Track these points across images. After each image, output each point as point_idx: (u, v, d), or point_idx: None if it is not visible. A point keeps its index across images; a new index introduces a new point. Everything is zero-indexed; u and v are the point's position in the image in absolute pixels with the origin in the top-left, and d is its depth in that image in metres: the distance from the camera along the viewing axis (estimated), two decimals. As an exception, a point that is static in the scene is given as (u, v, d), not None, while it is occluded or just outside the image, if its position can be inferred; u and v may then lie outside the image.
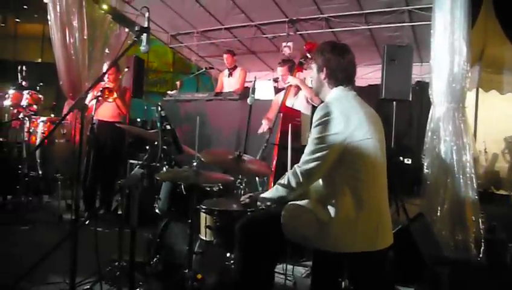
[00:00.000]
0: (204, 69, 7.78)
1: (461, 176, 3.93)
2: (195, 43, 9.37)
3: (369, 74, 8.44)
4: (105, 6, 7.84)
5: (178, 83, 6.51)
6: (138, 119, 8.89)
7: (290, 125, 3.93)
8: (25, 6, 16.76)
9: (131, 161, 6.24)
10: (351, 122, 1.97)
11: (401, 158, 7.41)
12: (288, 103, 4.35)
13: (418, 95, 7.49)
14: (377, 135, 2.03)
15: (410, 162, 7.39)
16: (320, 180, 2.08)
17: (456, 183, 3.93)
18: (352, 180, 1.96)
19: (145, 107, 8.88)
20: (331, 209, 1.95)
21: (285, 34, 7.93)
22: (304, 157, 2.03)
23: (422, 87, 7.37)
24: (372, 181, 1.99)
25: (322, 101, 2.20)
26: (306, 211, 2.03)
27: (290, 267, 3.12)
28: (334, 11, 7.28)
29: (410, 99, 4.83)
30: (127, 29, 7.95)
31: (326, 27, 7.58)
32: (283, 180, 2.10)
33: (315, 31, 7.69)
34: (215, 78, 8.64)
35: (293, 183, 2.04)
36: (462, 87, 3.99)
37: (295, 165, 2.07)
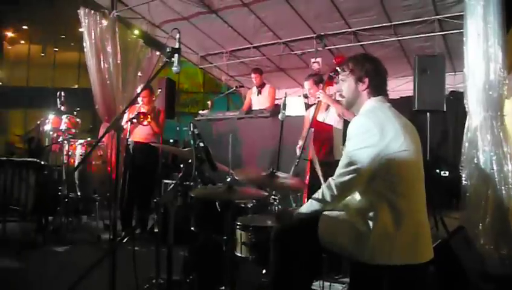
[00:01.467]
0: (234, 88, 7.88)
1: (503, 187, 3.77)
2: (224, 63, 9.52)
3: (400, 86, 8.32)
4: (136, 31, 8.14)
5: (209, 102, 6.62)
6: (171, 140, 9.05)
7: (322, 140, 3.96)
8: (62, 36, 17.56)
9: (165, 181, 6.34)
10: (386, 134, 1.94)
11: (438, 170, 7.23)
12: (320, 118, 4.32)
13: (452, 105, 7.26)
14: (413, 146, 2.00)
15: (447, 174, 7.20)
16: (357, 193, 2.06)
17: (498, 194, 3.77)
18: (390, 192, 1.92)
19: (177, 128, 9.04)
20: (370, 222, 1.92)
21: (313, 50, 7.96)
22: (339, 170, 2.02)
23: (457, 97, 7.17)
24: (410, 193, 1.95)
25: (355, 115, 2.18)
26: (343, 222, 2.01)
27: (327, 284, 3.07)
28: (362, 25, 7.26)
29: (445, 109, 4.72)
30: (158, 52, 8.19)
31: (355, 41, 7.57)
32: (317, 194, 2.09)
33: (344, 46, 7.67)
34: (245, 97, 8.74)
35: (328, 197, 2.03)
36: (499, 94, 3.85)
37: (330, 179, 2.06)
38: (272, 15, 7.46)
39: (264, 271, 2.62)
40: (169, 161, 7.14)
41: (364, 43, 7.53)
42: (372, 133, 1.94)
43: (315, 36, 7.82)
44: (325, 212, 2.09)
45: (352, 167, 1.96)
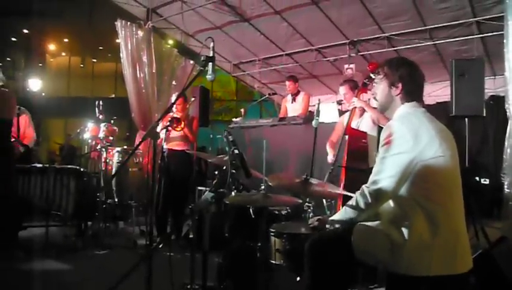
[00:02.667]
0: (267, 96, 7.91)
1: (547, 195, 3.62)
2: (257, 71, 9.59)
3: (436, 92, 8.14)
4: (171, 41, 8.34)
5: (242, 110, 6.67)
6: (204, 148, 9.17)
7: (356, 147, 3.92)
8: (100, 48, 18.17)
9: (199, 188, 6.43)
10: (420, 140, 1.90)
11: (477, 178, 7.00)
12: (354, 125, 4.28)
13: (492, 110, 7.07)
14: (449, 152, 1.94)
15: (487, 182, 6.96)
16: (391, 201, 2.02)
17: (543, 203, 3.63)
18: (425, 200, 1.88)
19: (211, 136, 9.15)
20: (404, 231, 1.87)
21: (346, 56, 7.90)
22: (372, 177, 1.99)
23: (497, 102, 6.97)
24: (446, 201, 1.90)
25: (389, 120, 2.15)
26: (377, 232, 1.97)
27: (362, 293, 3.02)
28: (396, 29, 7.17)
29: (484, 114, 4.57)
30: (192, 61, 8.34)
31: (389, 46, 7.47)
32: (351, 202, 2.06)
33: (377, 51, 7.59)
34: (278, 104, 8.76)
35: (362, 205, 2.00)
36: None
37: (363, 186, 2.03)
38: (304, 22, 7.48)
39: (298, 279, 2.61)
40: (202, 168, 7.23)
41: (399, 48, 7.43)
42: (406, 139, 1.91)
43: (348, 42, 7.78)
44: (359, 223, 2.06)
45: (385, 174, 1.93)
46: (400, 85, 2.09)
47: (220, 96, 15.80)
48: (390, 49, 7.47)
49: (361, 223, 2.05)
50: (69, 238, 5.32)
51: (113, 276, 3.53)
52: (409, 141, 1.90)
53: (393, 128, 1.97)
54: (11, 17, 16.88)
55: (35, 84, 16.01)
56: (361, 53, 7.87)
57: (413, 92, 2.11)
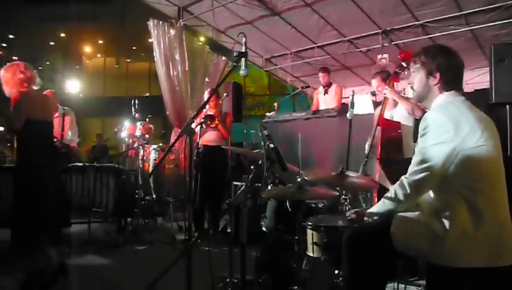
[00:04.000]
0: (300, 89, 7.88)
1: None
2: (289, 64, 9.54)
3: (474, 79, 7.86)
4: (202, 38, 8.41)
5: (276, 104, 6.68)
6: (238, 143, 9.22)
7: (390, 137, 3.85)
8: (133, 48, 18.57)
9: (235, 183, 6.49)
10: (461, 129, 1.85)
11: (521, 167, 6.72)
12: (387, 115, 4.19)
13: (535, 96, 6.76)
14: (491, 141, 1.88)
15: (532, 170, 6.67)
16: (431, 192, 1.98)
17: None
18: (467, 190, 1.83)
19: (245, 131, 9.19)
20: (446, 222, 1.83)
21: (379, 46, 7.75)
22: (411, 168, 1.96)
23: (541, 87, 6.66)
24: (489, 191, 1.85)
25: (425, 112, 2.10)
26: (418, 223, 1.94)
27: (401, 286, 2.98)
28: (430, 16, 6.96)
29: (527, 100, 4.38)
30: (224, 57, 8.40)
31: (423, 34, 7.27)
32: (390, 193, 2.03)
33: (411, 39, 7.40)
34: (311, 97, 8.69)
35: (401, 196, 1.97)
36: None
37: (402, 177, 2.00)
38: (335, 13, 7.38)
39: (336, 271, 2.61)
40: (242, 163, 7.30)
41: (433, 35, 7.21)
42: (446, 128, 1.86)
43: (381, 32, 7.62)
44: (399, 213, 2.03)
45: (425, 165, 1.89)
46: (437, 74, 2.03)
47: (253, 91, 15.85)
48: (424, 37, 7.26)
49: (401, 214, 2.03)
50: (110, 234, 5.49)
51: (153, 271, 3.63)
52: (449, 130, 1.86)
53: (432, 118, 1.93)
54: (49, 23, 17.52)
55: (73, 85, 16.52)
56: (394, 42, 7.70)
57: (452, 81, 2.04)
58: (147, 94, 18.36)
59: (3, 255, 3.59)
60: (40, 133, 3.42)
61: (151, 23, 7.49)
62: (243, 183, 6.52)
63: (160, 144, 6.16)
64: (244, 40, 2.43)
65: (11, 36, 17.91)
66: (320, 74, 6.33)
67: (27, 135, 3.35)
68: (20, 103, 3.30)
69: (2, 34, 17.22)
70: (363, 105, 5.76)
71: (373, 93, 6.63)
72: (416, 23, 7.18)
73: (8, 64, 3.50)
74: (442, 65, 2.03)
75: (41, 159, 3.29)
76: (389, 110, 4.22)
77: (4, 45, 17.96)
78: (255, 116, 14.02)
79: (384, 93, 4.06)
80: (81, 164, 5.45)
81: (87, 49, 19.62)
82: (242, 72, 2.33)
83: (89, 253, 4.59)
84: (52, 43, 16.89)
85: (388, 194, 2.05)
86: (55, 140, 4.91)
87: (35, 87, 3.53)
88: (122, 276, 3.96)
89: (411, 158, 2.01)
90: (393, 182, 2.20)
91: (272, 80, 14.42)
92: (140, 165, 5.47)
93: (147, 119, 5.86)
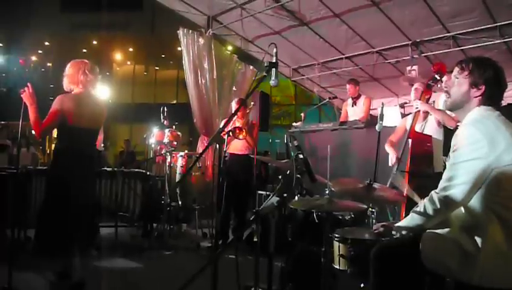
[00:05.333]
0: (327, 100, 7.85)
1: None
2: (316, 75, 9.53)
3: (508, 92, 7.64)
4: (230, 47, 8.51)
5: (302, 114, 6.67)
6: (264, 151, 9.25)
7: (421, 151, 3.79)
8: (162, 56, 18.91)
9: (260, 192, 6.50)
10: (497, 145, 1.81)
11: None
12: (417, 128, 4.14)
13: None
14: None
15: None
16: (462, 208, 1.93)
17: None
18: (501, 208, 1.79)
19: (270, 140, 9.22)
20: (477, 239, 1.79)
21: (408, 57, 7.65)
22: (443, 183, 1.92)
23: None
24: (525, 209, 1.79)
25: (457, 123, 2.07)
26: (448, 240, 1.90)
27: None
28: (462, 28, 6.84)
29: None
30: (251, 67, 8.46)
31: (455, 46, 7.14)
32: (419, 208, 2.00)
33: (442, 51, 7.28)
34: (338, 108, 8.67)
35: (430, 211, 1.93)
36: None
37: (432, 192, 1.96)
38: (364, 24, 7.34)
39: (362, 285, 2.58)
40: (262, 172, 7.31)
41: (465, 47, 7.08)
42: (481, 144, 1.82)
43: (410, 43, 7.53)
44: (428, 230, 1.99)
45: (457, 180, 1.85)
46: (483, 87, 1.97)
47: (279, 101, 15.90)
48: (456, 48, 7.14)
49: (430, 230, 1.99)
50: (136, 238, 5.59)
51: (177, 276, 3.67)
52: (484, 146, 1.82)
53: (466, 134, 1.89)
54: (82, 31, 18.07)
55: (103, 91, 16.85)
56: (424, 54, 7.59)
57: (494, 97, 2.00)
58: (174, 101, 18.62)
59: (38, 258, 3.70)
60: (79, 139, 3.35)
61: (181, 32, 7.62)
62: (267, 193, 6.52)
63: (186, 151, 6.23)
64: (275, 50, 2.45)
65: (46, 43, 18.53)
66: (348, 86, 6.29)
67: (65, 139, 3.36)
68: (61, 103, 3.26)
69: (38, 41, 17.82)
70: (391, 117, 5.70)
71: (401, 105, 6.58)
72: (447, 34, 7.06)
73: (77, 60, 3.45)
74: (490, 79, 1.98)
75: (75, 165, 3.29)
76: (419, 123, 4.17)
77: (40, 51, 18.58)
78: (280, 126, 14.03)
79: (417, 106, 4.02)
80: (110, 169, 5.57)
81: (118, 56, 20.07)
82: (272, 82, 2.35)
83: (115, 256, 4.67)
84: (84, 50, 17.35)
85: (417, 209, 2.01)
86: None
87: (92, 91, 3.48)
88: (146, 280, 4.02)
89: (441, 172, 1.98)
90: (422, 196, 2.17)
91: (298, 90, 14.44)
92: (167, 172, 5.54)
93: (174, 126, 5.94)
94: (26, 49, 16.12)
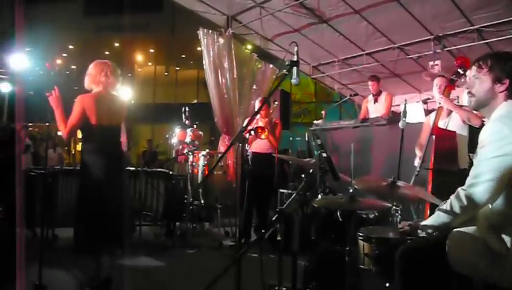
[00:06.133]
0: (348, 97, 7.79)
1: None
2: (336, 72, 9.46)
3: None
4: (250, 46, 8.52)
5: (323, 112, 6.63)
6: (284, 150, 9.23)
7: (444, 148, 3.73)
8: (183, 56, 19.08)
9: (281, 190, 6.50)
10: None
11: None
12: (441, 124, 4.06)
13: None
14: None
15: None
16: (490, 206, 1.90)
17: None
18: (529, 205, 1.75)
19: (290, 138, 9.18)
20: (506, 239, 1.75)
21: (431, 52, 7.52)
22: (470, 180, 1.88)
23: None
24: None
25: (482, 121, 2.03)
26: (475, 239, 1.86)
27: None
28: (486, 21, 6.71)
29: None
30: (271, 65, 8.46)
31: (479, 39, 6.99)
32: (445, 206, 1.96)
33: (466, 45, 7.14)
34: (359, 105, 8.58)
35: (457, 209, 1.89)
36: None
37: (459, 188, 1.92)
38: (384, 20, 7.27)
39: (387, 285, 2.55)
40: (286, 170, 7.30)
41: (490, 40, 6.93)
42: (509, 140, 1.78)
43: (433, 38, 7.41)
44: (455, 229, 1.96)
45: (485, 177, 1.81)
46: (506, 81, 1.93)
47: (299, 99, 15.84)
48: (480, 42, 6.99)
49: (457, 229, 1.96)
50: (159, 237, 5.66)
51: (201, 275, 3.70)
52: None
53: (494, 129, 1.85)
54: (104, 33, 18.38)
55: (125, 92, 17.07)
56: (447, 48, 7.45)
57: None
58: (195, 101, 18.76)
59: (68, 255, 3.80)
60: (104, 138, 3.40)
61: (201, 32, 7.68)
62: (289, 191, 6.51)
63: (207, 150, 6.27)
64: (296, 49, 2.44)
65: (70, 46, 18.91)
66: (370, 83, 6.23)
67: (89, 139, 3.42)
68: (82, 103, 3.31)
69: (63, 44, 18.21)
70: (414, 114, 5.61)
71: (424, 101, 6.48)
72: (471, 28, 6.92)
73: (100, 60, 3.50)
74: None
75: (105, 164, 3.35)
76: (443, 119, 4.09)
77: (64, 54, 18.97)
78: (301, 124, 13.99)
79: (439, 103, 3.95)
80: (133, 169, 5.64)
81: (139, 57, 20.34)
82: (294, 80, 2.34)
83: (139, 255, 4.74)
84: (107, 52, 17.63)
85: (443, 207, 1.98)
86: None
87: (113, 92, 3.53)
88: (169, 278, 4.08)
89: (466, 169, 1.95)
90: (446, 194, 2.13)
91: (318, 87, 14.37)
92: (190, 171, 5.59)
93: (195, 126, 5.99)
94: (52, 52, 16.47)
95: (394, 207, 2.86)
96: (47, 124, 3.56)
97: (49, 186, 4.86)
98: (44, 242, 3.94)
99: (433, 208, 2.21)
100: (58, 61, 18.60)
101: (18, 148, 5.76)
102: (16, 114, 5.34)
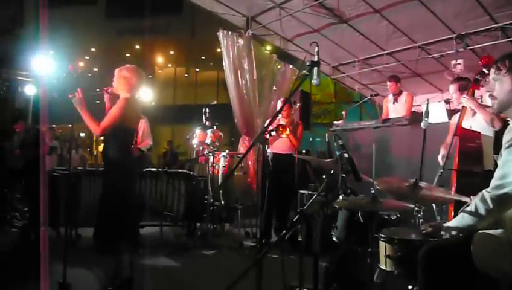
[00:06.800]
0: (369, 97, 7.72)
1: None
2: (357, 72, 9.39)
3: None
4: (269, 47, 8.52)
5: (344, 112, 6.59)
6: (303, 151, 9.19)
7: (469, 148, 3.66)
8: (202, 57, 19.23)
9: (302, 191, 6.48)
10: None
11: None
12: (466, 124, 3.99)
13: None
14: None
15: None
16: (516, 208, 1.86)
17: None
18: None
19: (310, 139, 9.14)
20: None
21: (453, 51, 7.38)
22: (495, 182, 1.85)
23: None
24: None
25: (506, 121, 1.99)
26: (501, 241, 1.84)
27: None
28: (510, 18, 6.55)
29: None
30: (291, 66, 8.44)
31: (503, 37, 6.83)
32: (470, 207, 1.94)
33: (489, 44, 6.99)
34: (380, 105, 8.49)
35: (482, 211, 1.87)
36: None
37: (484, 191, 1.89)
38: (405, 19, 7.18)
39: (410, 287, 2.52)
40: (308, 171, 7.28)
41: (515, 38, 6.77)
42: None
43: (455, 36, 7.27)
44: (480, 231, 1.93)
45: (510, 179, 1.78)
46: None
47: (319, 99, 15.78)
48: (504, 40, 6.83)
49: (482, 231, 1.92)
50: (180, 237, 5.71)
51: (221, 275, 3.72)
52: None
53: None
54: (125, 36, 18.67)
55: (146, 94, 17.29)
56: (470, 47, 7.30)
57: None
58: (215, 102, 18.88)
59: (91, 254, 3.87)
60: (128, 140, 3.57)
61: (220, 33, 7.72)
62: (309, 192, 6.49)
63: (227, 151, 6.31)
64: (316, 49, 2.44)
65: (92, 49, 19.26)
66: (388, 83, 6.15)
67: (117, 141, 3.51)
68: (122, 106, 3.46)
69: (85, 47, 18.56)
70: (436, 114, 5.53)
71: (447, 101, 6.35)
72: (495, 25, 6.77)
73: (128, 66, 3.65)
74: None
75: (128, 165, 3.45)
76: (467, 119, 4.01)
77: (87, 57, 19.33)
78: (321, 124, 13.93)
79: (462, 102, 3.88)
80: (154, 169, 5.71)
81: (159, 59, 20.58)
82: (314, 81, 2.34)
83: (160, 255, 4.79)
84: (128, 55, 17.94)
85: (468, 208, 1.95)
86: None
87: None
88: (190, 278, 4.11)
89: (491, 170, 1.91)
90: (470, 196, 2.09)
91: (338, 88, 14.29)
92: (210, 172, 5.62)
93: (215, 127, 6.03)
94: (74, 55, 16.84)
95: (416, 208, 2.83)
96: (70, 125, 3.66)
97: (73, 187, 4.96)
98: (68, 241, 4.03)
99: (457, 209, 2.17)
100: (81, 64, 18.97)
101: (42, 149, 5.90)
102: (40, 116, 5.46)
